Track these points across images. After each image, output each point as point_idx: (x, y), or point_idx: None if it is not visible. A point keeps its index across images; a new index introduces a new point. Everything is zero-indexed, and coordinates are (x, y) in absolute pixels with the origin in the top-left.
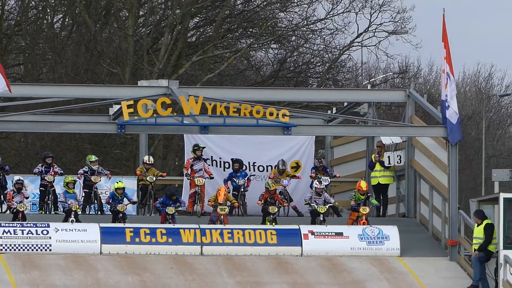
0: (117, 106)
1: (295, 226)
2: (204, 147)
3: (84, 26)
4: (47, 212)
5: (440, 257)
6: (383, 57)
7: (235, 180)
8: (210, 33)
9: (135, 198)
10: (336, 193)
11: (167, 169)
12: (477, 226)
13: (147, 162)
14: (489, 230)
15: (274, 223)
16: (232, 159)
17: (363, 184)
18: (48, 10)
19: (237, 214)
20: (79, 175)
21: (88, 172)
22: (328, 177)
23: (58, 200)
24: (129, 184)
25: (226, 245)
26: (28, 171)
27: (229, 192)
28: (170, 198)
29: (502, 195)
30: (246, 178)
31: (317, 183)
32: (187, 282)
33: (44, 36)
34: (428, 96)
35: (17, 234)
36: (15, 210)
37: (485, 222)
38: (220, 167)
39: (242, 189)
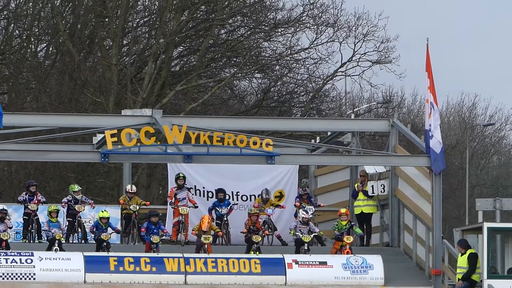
0: (101, 135)
1: (279, 255)
2: (184, 177)
3: (68, 55)
4: (31, 241)
5: (424, 286)
6: (367, 87)
7: (218, 209)
8: (194, 63)
9: (119, 227)
10: (320, 222)
11: (151, 198)
12: (461, 255)
13: (130, 191)
14: (473, 260)
15: (258, 252)
16: (216, 189)
17: (343, 209)
18: (32, 39)
19: (220, 243)
20: (63, 204)
21: (72, 201)
22: (312, 206)
23: (42, 229)
24: (113, 213)
25: (210, 274)
26: (12, 199)
27: (212, 221)
28: (150, 219)
29: (486, 225)
30: (228, 207)
31: (304, 212)
32: None
33: (28, 65)
34: (411, 125)
35: (1, 263)
36: None
37: (468, 251)
38: (204, 196)
39: (225, 218)
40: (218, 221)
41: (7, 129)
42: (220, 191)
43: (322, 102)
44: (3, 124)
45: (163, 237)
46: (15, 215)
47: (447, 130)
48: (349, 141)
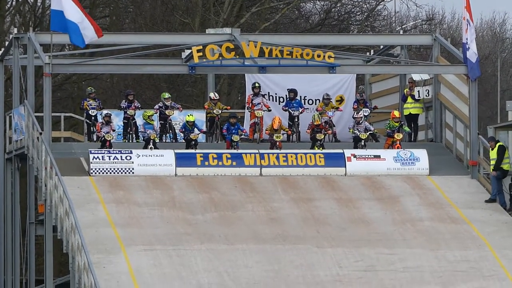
0: (188, 51)
1: (340, 150)
2: (259, 85)
3: None
4: (130, 141)
5: (462, 175)
6: (413, 7)
7: (291, 111)
8: None
9: (204, 128)
10: (374, 122)
11: (231, 103)
12: (492, 149)
13: (213, 98)
14: (501, 151)
15: (321, 148)
16: (288, 89)
17: (396, 113)
18: None
19: (291, 141)
20: (155, 110)
21: (163, 107)
22: (368, 109)
23: (139, 130)
24: (199, 116)
25: (282, 167)
26: (114, 106)
27: (287, 119)
28: (230, 120)
29: None
30: (300, 109)
31: (355, 112)
32: (249, 198)
33: None
34: (451, 39)
35: (105, 160)
36: (103, 139)
37: (497, 144)
38: (276, 101)
39: (296, 119)
40: (290, 122)
41: (109, 47)
42: (291, 91)
43: (375, 20)
44: (107, 42)
45: (242, 136)
46: (116, 119)
47: (481, 43)
48: (399, 53)
